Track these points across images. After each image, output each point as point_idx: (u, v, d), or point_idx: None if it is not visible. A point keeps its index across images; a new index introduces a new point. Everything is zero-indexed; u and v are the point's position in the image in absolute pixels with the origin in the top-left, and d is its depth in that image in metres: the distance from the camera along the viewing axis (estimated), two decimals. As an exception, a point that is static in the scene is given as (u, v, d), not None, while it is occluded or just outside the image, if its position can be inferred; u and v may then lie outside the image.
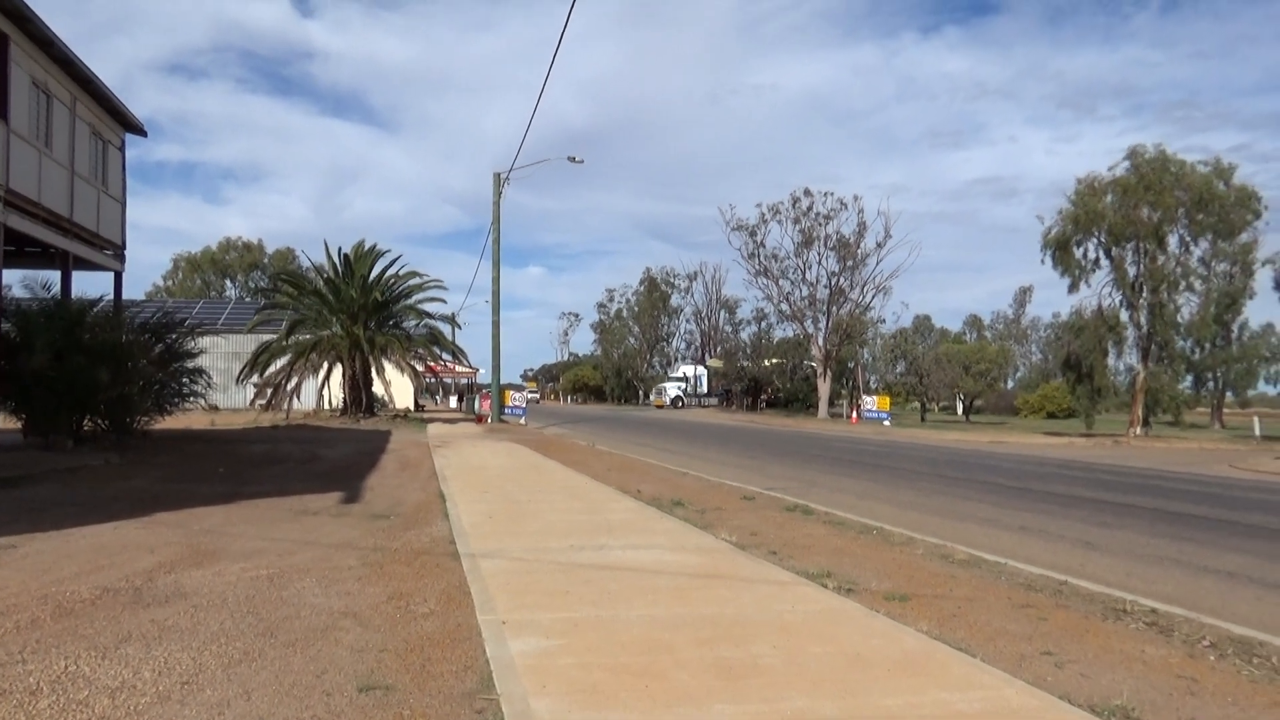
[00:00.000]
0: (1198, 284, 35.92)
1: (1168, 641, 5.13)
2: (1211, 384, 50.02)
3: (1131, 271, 35.81)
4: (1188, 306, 36.04)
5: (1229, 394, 58.13)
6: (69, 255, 18.17)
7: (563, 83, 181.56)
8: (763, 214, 56.78)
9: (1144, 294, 35.23)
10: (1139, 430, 35.52)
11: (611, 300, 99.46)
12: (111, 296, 20.79)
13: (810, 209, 55.04)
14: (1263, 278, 37.22)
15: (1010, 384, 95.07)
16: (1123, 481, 16.53)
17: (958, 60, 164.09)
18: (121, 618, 5.30)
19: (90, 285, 37.50)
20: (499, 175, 32.56)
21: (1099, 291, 36.60)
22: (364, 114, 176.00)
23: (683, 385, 76.15)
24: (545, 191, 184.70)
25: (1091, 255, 36.60)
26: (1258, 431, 35.39)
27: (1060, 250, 36.49)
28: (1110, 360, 37.20)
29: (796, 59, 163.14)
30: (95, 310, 18.28)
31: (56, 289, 18.04)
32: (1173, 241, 35.44)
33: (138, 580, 6.29)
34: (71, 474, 12.89)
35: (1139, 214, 34.50)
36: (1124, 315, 36.63)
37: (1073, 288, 36.97)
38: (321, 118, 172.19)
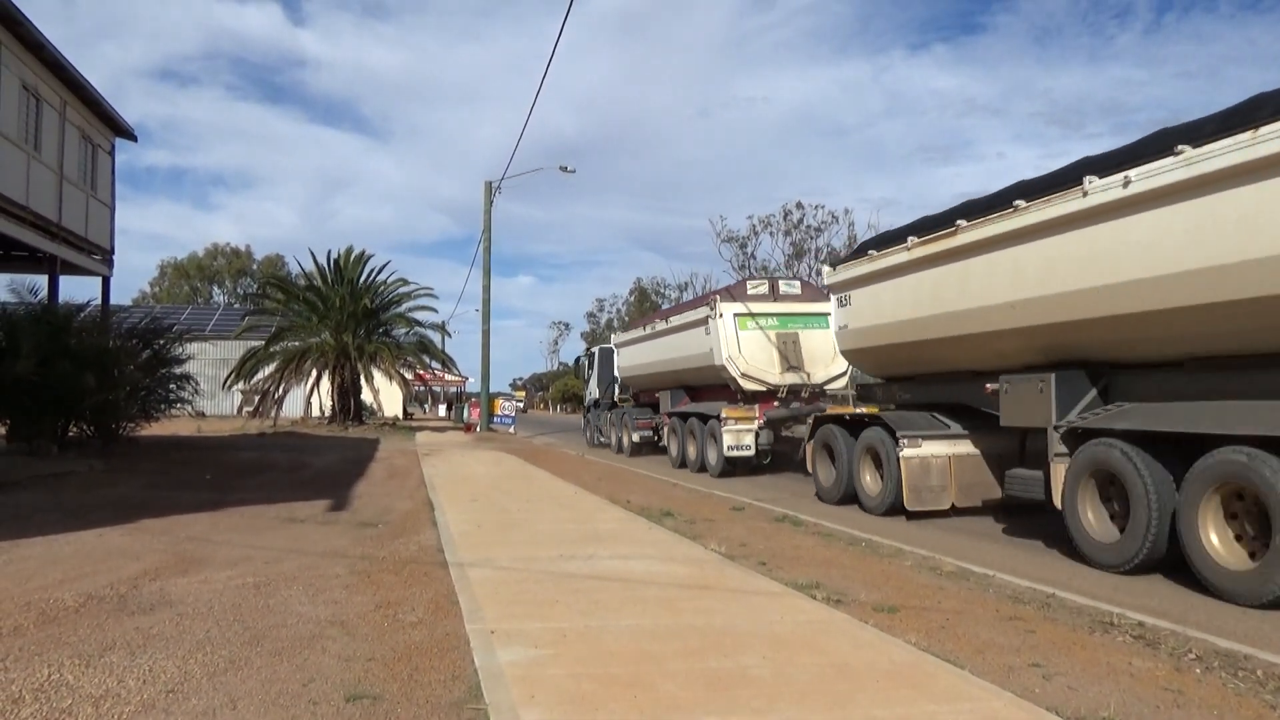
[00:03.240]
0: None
1: (1154, 654, 5.15)
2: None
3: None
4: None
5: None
6: (56, 260, 18.06)
7: (554, 94, 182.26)
8: (754, 226, 56.95)
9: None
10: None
11: (601, 310, 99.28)
12: (99, 301, 20.67)
13: (801, 221, 55.26)
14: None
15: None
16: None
17: (946, 77, 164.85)
18: (106, 625, 5.26)
19: (78, 290, 37.47)
20: (490, 184, 32.56)
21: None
22: (354, 122, 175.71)
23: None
24: (536, 202, 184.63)
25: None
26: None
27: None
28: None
29: (787, 74, 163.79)
30: (82, 315, 18.18)
31: (43, 293, 17.93)
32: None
33: (122, 587, 6.24)
34: (56, 480, 12.79)
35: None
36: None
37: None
38: (312, 125, 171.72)
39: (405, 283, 35.46)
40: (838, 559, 8.00)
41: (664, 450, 20.30)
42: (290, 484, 13.66)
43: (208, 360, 37.87)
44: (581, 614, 5.58)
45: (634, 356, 22.44)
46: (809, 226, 55.06)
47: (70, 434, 17.18)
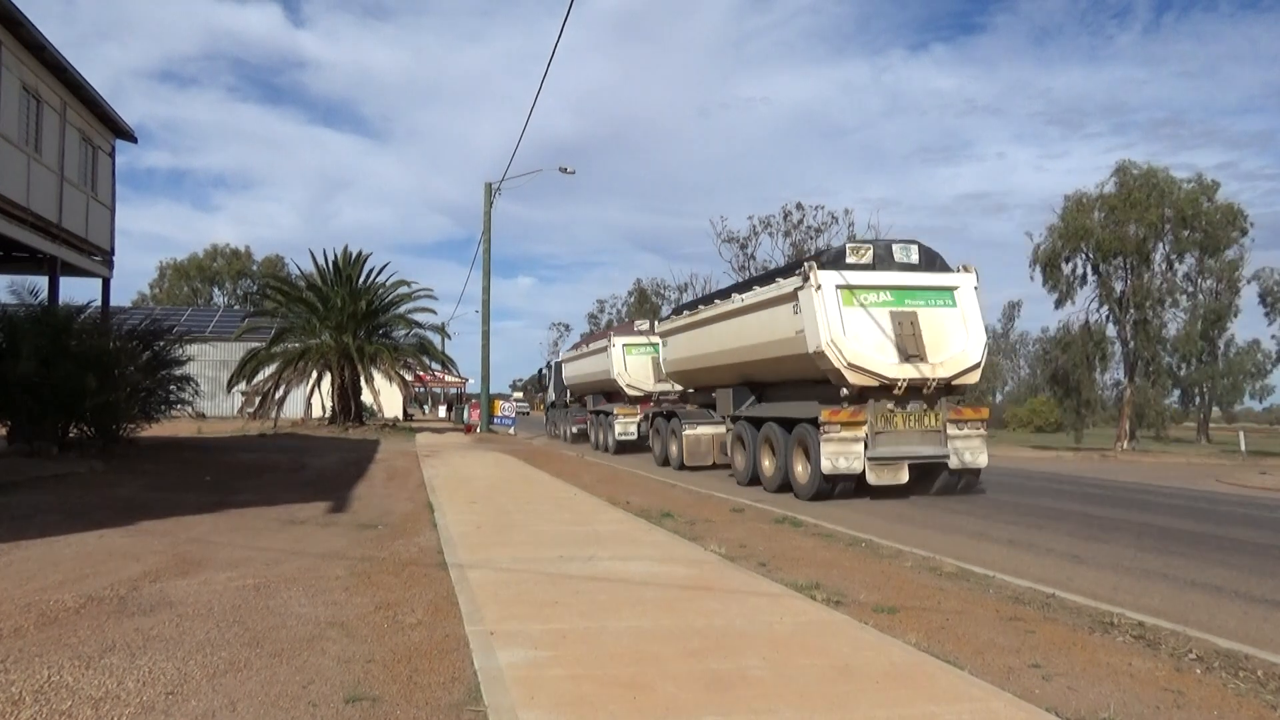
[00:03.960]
0: (1184, 300, 36.18)
1: (1155, 654, 5.15)
2: (1198, 399, 50.34)
3: (1118, 287, 36.04)
4: (1174, 322, 36.31)
5: (1215, 409, 58.44)
6: (57, 261, 18.07)
7: (553, 96, 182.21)
8: (754, 226, 56.95)
9: (1130, 310, 35.45)
10: (1126, 444, 35.69)
11: (602, 311, 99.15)
12: (99, 303, 20.68)
13: (801, 222, 55.26)
14: (1248, 294, 37.52)
15: (999, 397, 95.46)
16: (1110, 495, 16.60)
17: (946, 78, 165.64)
18: (106, 627, 5.26)
19: (78, 291, 37.52)
20: (490, 185, 32.57)
21: (1086, 307, 36.90)
22: (354, 123, 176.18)
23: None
24: (535, 203, 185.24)
25: (1079, 271, 36.82)
26: (1243, 447, 35.59)
27: (1048, 266, 36.67)
28: (1097, 375, 37.44)
29: (787, 75, 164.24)
30: (83, 316, 18.17)
31: (44, 295, 17.93)
32: (1158, 258, 35.75)
33: (123, 589, 6.24)
34: (57, 481, 12.78)
35: (1125, 230, 34.77)
36: (1111, 330, 36.88)
37: (1060, 303, 37.22)
38: (312, 126, 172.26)
39: (405, 284, 35.45)
40: (838, 560, 8.00)
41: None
42: (290, 485, 13.66)
43: (208, 361, 37.85)
44: (581, 615, 5.58)
45: (571, 370, 30.82)
46: (809, 227, 55.08)
47: (71, 435, 17.17)
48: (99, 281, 21.15)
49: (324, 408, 33.87)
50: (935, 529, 11.00)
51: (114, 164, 21.34)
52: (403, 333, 35.72)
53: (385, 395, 34.45)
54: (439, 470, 16.71)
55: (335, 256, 34.10)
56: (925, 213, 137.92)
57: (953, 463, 13.53)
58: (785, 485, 14.26)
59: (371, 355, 32.35)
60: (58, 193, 17.63)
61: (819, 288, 13.02)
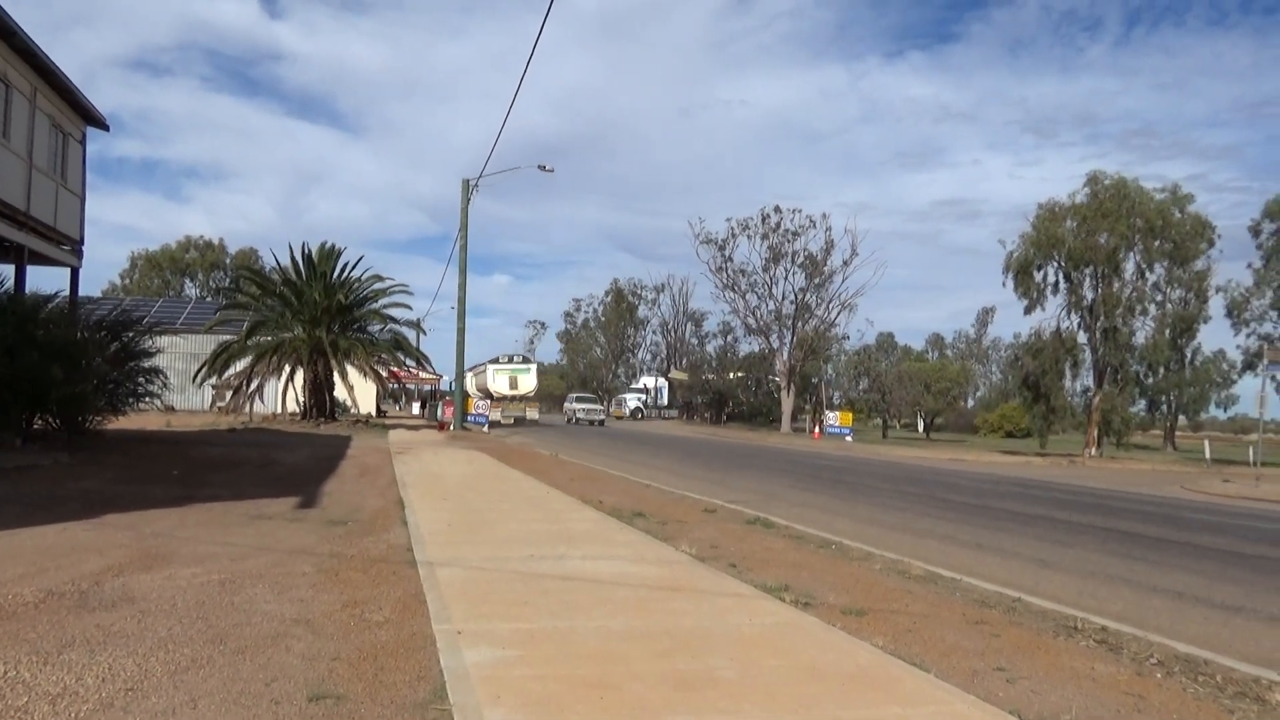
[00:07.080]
0: (1152, 309, 36.71)
1: (1117, 659, 5.22)
2: (1165, 407, 51.09)
3: (1089, 296, 36.53)
4: (1143, 331, 36.84)
5: (1182, 417, 59.42)
6: (24, 249, 17.77)
7: (533, 94, 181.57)
8: (732, 229, 57.31)
9: (1100, 318, 35.91)
10: (1094, 451, 36.16)
11: (578, 310, 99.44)
12: (67, 292, 20.36)
13: (779, 225, 55.57)
14: (1216, 304, 38.09)
15: (970, 403, 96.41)
16: (1077, 501, 16.81)
17: (922, 85, 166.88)
18: (66, 622, 5.17)
19: (46, 281, 36.81)
20: (468, 181, 32.43)
21: (1057, 314, 37.39)
22: (330, 117, 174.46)
23: (643, 396, 76.41)
24: (513, 201, 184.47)
25: (1051, 279, 37.35)
26: (1208, 455, 36.17)
27: (1021, 273, 37.12)
28: (1067, 382, 37.91)
29: (765, 78, 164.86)
30: (50, 306, 17.87)
31: (10, 283, 17.65)
32: (1129, 267, 36.25)
33: (84, 583, 6.14)
34: (20, 473, 12.56)
35: (1096, 240, 35.22)
36: (1081, 338, 37.36)
37: (1031, 310, 37.70)
38: (287, 119, 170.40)
39: (380, 279, 35.13)
40: (808, 561, 8.03)
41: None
42: (259, 480, 13.51)
43: (178, 354, 37.35)
44: (550, 615, 5.56)
45: (471, 381, 52.23)
46: (787, 230, 55.43)
47: (36, 426, 16.90)
48: (67, 271, 20.83)
49: (297, 403, 33.55)
50: (904, 532, 11.09)
51: (85, 152, 21.03)
52: (377, 328, 35.43)
53: (359, 391, 34.10)
54: (411, 467, 16.61)
55: (309, 250, 33.77)
56: (900, 218, 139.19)
57: (527, 417, 51.96)
58: (492, 424, 39.59)
59: (345, 350, 32.05)
60: (26, 180, 17.33)
61: (490, 370, 54.61)
